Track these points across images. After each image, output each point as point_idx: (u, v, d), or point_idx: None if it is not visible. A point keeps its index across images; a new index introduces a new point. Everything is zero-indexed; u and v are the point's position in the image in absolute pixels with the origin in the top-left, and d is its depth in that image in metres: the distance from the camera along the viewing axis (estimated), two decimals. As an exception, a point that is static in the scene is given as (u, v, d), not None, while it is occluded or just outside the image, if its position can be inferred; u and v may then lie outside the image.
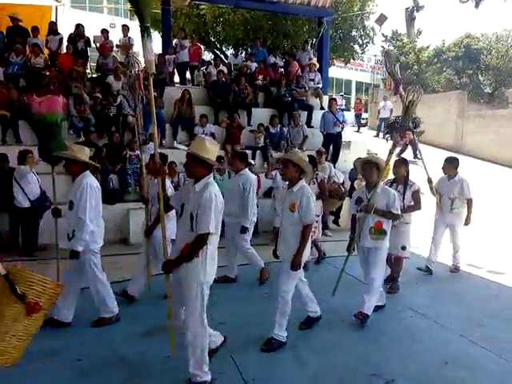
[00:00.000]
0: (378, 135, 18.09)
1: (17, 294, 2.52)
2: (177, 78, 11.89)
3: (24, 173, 6.30)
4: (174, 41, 11.88)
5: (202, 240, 3.02)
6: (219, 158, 8.22)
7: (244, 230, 5.39)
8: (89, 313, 4.31)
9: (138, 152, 8.03)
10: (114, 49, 10.89)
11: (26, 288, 2.55)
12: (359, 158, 4.75)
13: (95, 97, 8.82)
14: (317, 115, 10.45)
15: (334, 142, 9.71)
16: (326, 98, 11.33)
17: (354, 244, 4.55)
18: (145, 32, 3.47)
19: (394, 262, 5.34)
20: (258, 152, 9.24)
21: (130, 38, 10.92)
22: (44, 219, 6.47)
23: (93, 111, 8.67)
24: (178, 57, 11.16)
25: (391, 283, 5.36)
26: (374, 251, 4.42)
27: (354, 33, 16.74)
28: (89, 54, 10.84)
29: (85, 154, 4.16)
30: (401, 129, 4.03)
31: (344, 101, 23.20)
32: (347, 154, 9.86)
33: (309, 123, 10.41)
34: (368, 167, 4.44)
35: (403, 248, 5.19)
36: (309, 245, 3.93)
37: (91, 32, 10.92)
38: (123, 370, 3.46)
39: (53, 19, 12.43)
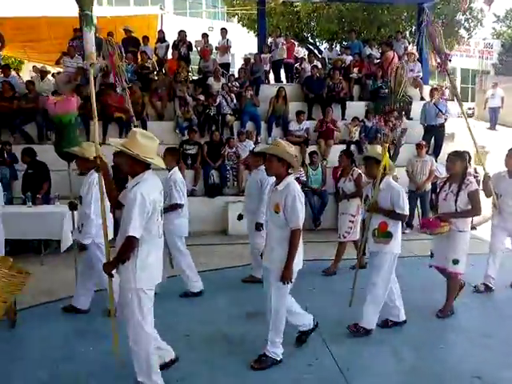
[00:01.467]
0: (491, 127, 16.61)
1: None
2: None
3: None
4: (269, 39, 12.17)
5: (128, 243, 2.83)
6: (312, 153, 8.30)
7: (258, 226, 5.01)
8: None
9: (235, 149, 8.50)
10: (214, 51, 11.50)
11: None
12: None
13: (197, 98, 9.44)
14: (416, 106, 9.97)
15: (435, 135, 9.22)
16: (426, 88, 10.77)
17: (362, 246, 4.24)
18: (84, 20, 3.08)
19: (447, 278, 4.49)
20: (353, 146, 9.13)
21: (228, 39, 11.43)
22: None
23: (195, 112, 9.27)
24: (273, 55, 11.45)
25: (445, 304, 4.43)
26: (376, 255, 3.99)
27: (458, 16, 15.58)
28: (191, 57, 11.59)
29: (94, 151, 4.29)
30: (387, 111, 3.49)
31: (448, 90, 21.50)
32: (451, 147, 9.27)
33: (407, 115, 10.00)
34: (368, 163, 4.07)
35: (455, 262, 4.29)
36: (301, 249, 3.42)
37: (192, 37, 11.65)
38: (224, 346, 3.79)
39: (159, 27, 13.52)
